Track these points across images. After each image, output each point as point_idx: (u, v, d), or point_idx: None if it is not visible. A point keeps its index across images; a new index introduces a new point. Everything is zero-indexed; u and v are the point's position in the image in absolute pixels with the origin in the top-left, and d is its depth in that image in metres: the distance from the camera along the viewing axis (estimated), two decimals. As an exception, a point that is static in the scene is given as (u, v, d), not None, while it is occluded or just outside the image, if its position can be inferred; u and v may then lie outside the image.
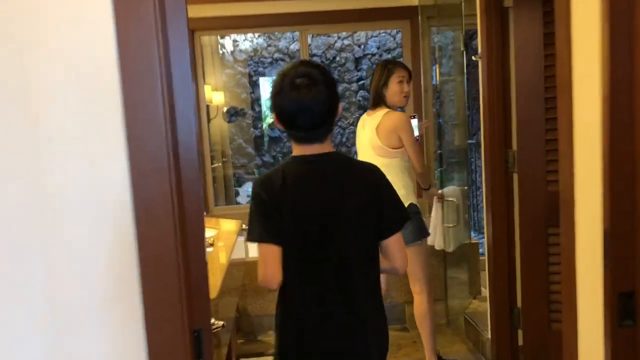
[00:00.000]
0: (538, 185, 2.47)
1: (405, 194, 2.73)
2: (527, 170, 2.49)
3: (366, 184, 1.56)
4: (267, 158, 6.61)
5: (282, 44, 6.42)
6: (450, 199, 3.22)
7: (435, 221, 3.27)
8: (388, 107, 2.77)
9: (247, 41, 6.40)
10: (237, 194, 5.69)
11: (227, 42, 6.39)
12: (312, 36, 6.39)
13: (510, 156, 2.56)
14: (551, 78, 2.40)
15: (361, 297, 1.55)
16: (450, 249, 3.33)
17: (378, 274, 1.61)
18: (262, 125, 6.69)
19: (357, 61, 6.44)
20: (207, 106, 4.84)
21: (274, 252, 1.51)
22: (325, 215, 1.52)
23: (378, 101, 2.79)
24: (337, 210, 1.52)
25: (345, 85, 6.46)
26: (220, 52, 6.38)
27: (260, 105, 6.65)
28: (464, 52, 3.29)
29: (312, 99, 1.48)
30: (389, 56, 6.44)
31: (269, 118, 6.73)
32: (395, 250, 1.58)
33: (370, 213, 1.54)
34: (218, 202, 4.87)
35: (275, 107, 1.54)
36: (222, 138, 6.06)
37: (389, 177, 2.53)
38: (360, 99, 6.49)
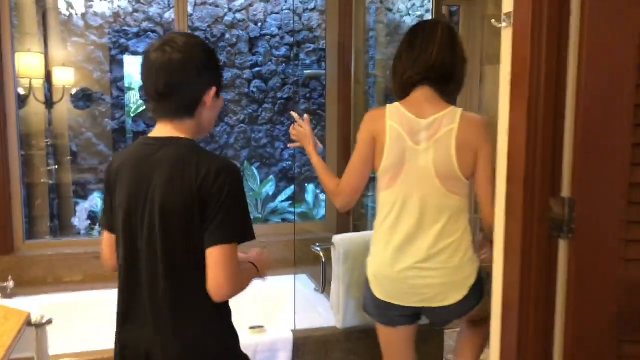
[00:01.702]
0: (608, 264, 1.35)
1: (473, 256, 1.78)
2: (590, 236, 1.35)
3: (194, 180, 1.30)
4: (127, 159, 5.02)
5: (153, 10, 4.88)
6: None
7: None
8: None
9: (105, 1, 4.77)
10: (76, 213, 3.99)
11: None
12: (195, 4, 4.93)
13: (558, 208, 1.40)
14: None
15: (162, 316, 1.34)
16: (340, 326, 2.20)
17: (196, 289, 1.33)
18: (122, 116, 5.09)
19: (252, 42, 5.09)
20: (31, 84, 3.24)
21: (106, 237, 1.48)
22: (131, 207, 1.35)
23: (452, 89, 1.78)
24: (145, 204, 1.33)
25: (235, 71, 5.07)
26: (66, 12, 4.69)
27: (121, 89, 5.05)
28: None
29: (162, 63, 1.32)
30: (291, 39, 5.16)
31: (132, 104, 5.16)
32: (210, 266, 1.30)
33: (187, 215, 1.30)
34: (38, 229, 3.25)
35: None
36: (61, 130, 4.42)
37: (459, 232, 1.73)
38: (255, 90, 5.15)
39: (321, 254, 2.12)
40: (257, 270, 1.50)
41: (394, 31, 4.84)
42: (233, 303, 1.45)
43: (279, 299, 3.00)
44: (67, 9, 4.70)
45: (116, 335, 1.42)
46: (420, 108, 1.70)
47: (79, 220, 3.64)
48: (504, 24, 1.44)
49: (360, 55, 2.97)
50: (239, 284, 1.35)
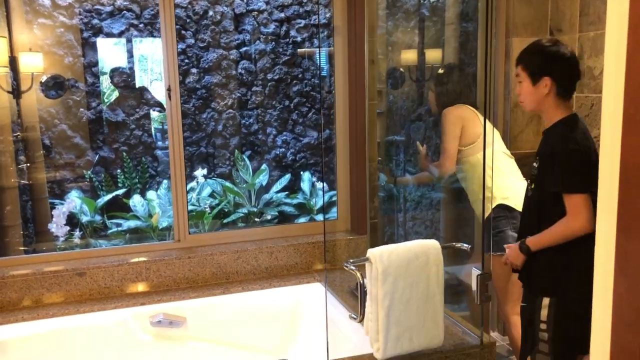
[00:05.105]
0: None
1: None
2: None
3: None
4: (106, 152, 4.60)
5: (128, -14, 4.42)
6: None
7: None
8: None
9: (73, -23, 4.30)
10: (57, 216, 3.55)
11: (41, -24, 4.24)
12: (174, -21, 4.47)
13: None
14: None
15: None
16: (380, 357, 1.84)
17: None
18: (99, 105, 4.65)
19: (238, 19, 4.67)
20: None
21: (587, 201, 1.87)
22: None
23: None
24: None
25: (221, 51, 4.65)
26: (30, -10, 4.21)
27: (96, 75, 4.60)
28: (489, 17, 1.76)
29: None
30: (282, 15, 4.75)
31: (111, 92, 4.73)
32: None
33: None
34: (10, 240, 2.85)
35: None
36: (32, 122, 3.98)
37: None
38: (243, 71, 4.74)
39: (358, 275, 1.78)
40: None
41: (391, 3, 4.46)
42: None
43: (295, 315, 2.67)
44: (31, -13, 4.21)
45: None
46: None
47: (57, 226, 3.26)
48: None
49: (373, 30, 2.61)
50: None
